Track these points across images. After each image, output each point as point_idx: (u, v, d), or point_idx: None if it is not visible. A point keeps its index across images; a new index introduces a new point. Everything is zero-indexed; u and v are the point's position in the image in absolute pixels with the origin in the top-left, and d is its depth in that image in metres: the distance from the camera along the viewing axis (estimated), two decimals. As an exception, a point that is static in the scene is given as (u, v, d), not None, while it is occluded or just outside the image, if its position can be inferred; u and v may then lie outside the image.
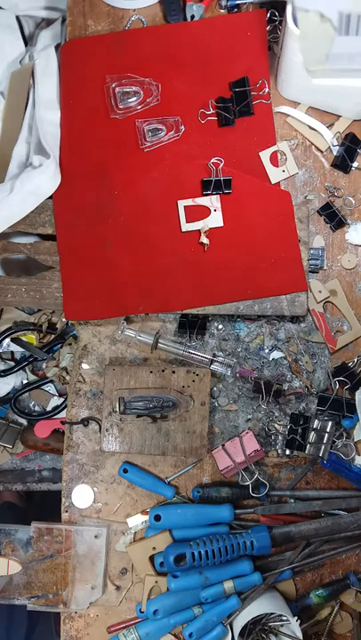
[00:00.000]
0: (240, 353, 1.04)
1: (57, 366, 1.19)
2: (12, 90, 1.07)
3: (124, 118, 1.04)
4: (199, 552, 0.91)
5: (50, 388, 1.26)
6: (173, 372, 0.99)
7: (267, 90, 1.04)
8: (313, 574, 1.02)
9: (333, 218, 1.04)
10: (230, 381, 1.04)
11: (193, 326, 1.02)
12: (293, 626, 0.93)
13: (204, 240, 0.99)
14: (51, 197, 1.02)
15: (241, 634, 0.93)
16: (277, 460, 1.03)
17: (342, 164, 1.04)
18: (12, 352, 1.25)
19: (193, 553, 0.91)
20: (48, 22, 1.18)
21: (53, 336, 1.17)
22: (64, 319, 1.12)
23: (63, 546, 1.00)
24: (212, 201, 1.01)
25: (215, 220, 1.01)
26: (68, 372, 1.19)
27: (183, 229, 1.01)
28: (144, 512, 1.02)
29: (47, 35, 1.12)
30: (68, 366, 1.18)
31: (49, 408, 1.25)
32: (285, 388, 1.03)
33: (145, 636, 0.96)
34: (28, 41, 1.19)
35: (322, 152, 1.06)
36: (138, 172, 1.03)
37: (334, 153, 1.05)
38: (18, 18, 1.17)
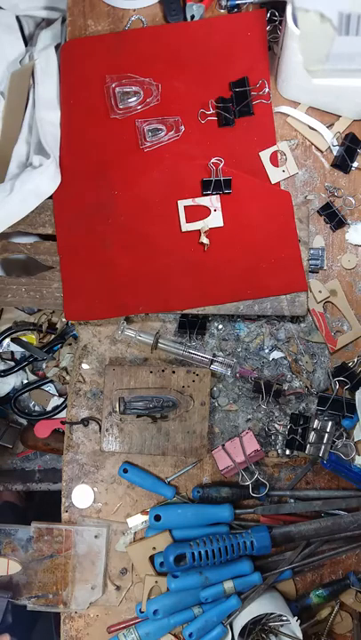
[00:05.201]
0: (240, 353, 1.04)
1: (57, 366, 1.20)
2: (12, 90, 1.07)
3: (124, 118, 1.04)
4: (199, 552, 0.91)
5: (50, 387, 1.26)
6: (173, 371, 0.99)
7: (267, 90, 1.04)
8: (313, 574, 1.02)
9: (333, 218, 1.04)
10: (230, 381, 1.04)
11: (193, 326, 1.02)
12: (293, 626, 0.93)
13: (204, 240, 0.99)
14: (51, 197, 1.02)
15: (241, 634, 0.93)
16: (277, 459, 1.03)
17: (342, 164, 1.04)
18: (12, 352, 1.26)
19: (193, 553, 0.91)
20: (48, 22, 1.18)
21: (53, 336, 1.17)
22: (64, 319, 1.12)
23: (63, 546, 1.00)
24: (212, 201, 1.01)
25: (215, 219, 1.01)
26: (68, 372, 1.19)
27: (183, 229, 1.01)
28: (144, 512, 1.02)
29: (47, 35, 1.12)
30: (68, 366, 1.18)
31: (49, 408, 1.26)
32: (285, 388, 1.03)
33: (145, 636, 0.96)
34: (28, 41, 1.19)
35: (322, 152, 1.06)
36: (138, 172, 1.03)
37: (334, 153, 1.05)
38: (18, 18, 1.17)
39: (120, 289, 1.01)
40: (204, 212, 1.01)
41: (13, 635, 0.99)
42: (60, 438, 1.18)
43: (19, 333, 1.17)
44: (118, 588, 1.01)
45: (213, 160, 1.01)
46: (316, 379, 1.03)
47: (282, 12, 1.00)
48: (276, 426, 1.03)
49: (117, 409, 0.98)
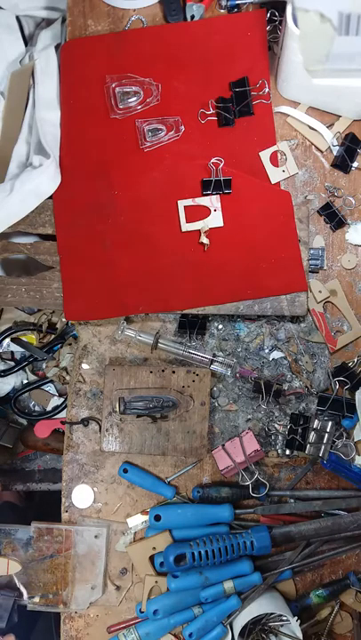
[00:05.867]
0: (240, 353, 1.04)
1: (57, 366, 1.20)
2: (12, 90, 1.07)
3: (124, 118, 1.04)
4: (199, 552, 0.91)
5: (50, 387, 1.26)
6: (173, 371, 0.99)
7: (267, 90, 1.04)
8: (313, 574, 1.02)
9: (333, 218, 1.04)
10: (230, 381, 1.04)
11: (193, 326, 1.02)
12: (293, 626, 0.93)
13: (204, 240, 0.99)
14: (51, 197, 1.02)
15: (241, 634, 0.93)
16: (277, 459, 1.03)
17: (342, 163, 1.04)
18: (12, 352, 1.25)
19: (193, 553, 0.91)
20: (48, 22, 1.18)
21: (53, 336, 1.17)
22: (64, 319, 1.12)
23: (63, 546, 1.00)
24: (212, 201, 1.01)
25: (215, 219, 1.01)
26: (68, 372, 1.19)
27: (183, 229, 1.01)
28: (144, 512, 1.02)
29: (47, 35, 1.12)
30: (68, 366, 1.18)
31: (49, 408, 1.26)
32: (285, 388, 1.03)
33: (145, 636, 0.96)
34: (28, 41, 1.19)
35: (322, 152, 1.06)
36: (138, 171, 1.03)
37: (334, 153, 1.05)
38: (18, 18, 1.17)
39: (120, 289, 1.01)
40: (204, 211, 1.01)
41: (15, 635, 0.99)
42: (60, 438, 1.18)
43: (19, 333, 1.17)
44: (118, 588, 1.02)
45: (213, 160, 1.01)
46: (316, 379, 1.03)
47: (282, 11, 1.00)
48: (276, 426, 1.03)
49: (117, 409, 0.98)
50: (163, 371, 1.00)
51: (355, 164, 1.04)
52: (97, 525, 1.01)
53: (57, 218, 1.03)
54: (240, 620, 0.93)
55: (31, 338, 1.18)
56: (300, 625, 0.93)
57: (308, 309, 1.03)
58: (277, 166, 1.04)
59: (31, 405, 1.30)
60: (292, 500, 1.01)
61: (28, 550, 1.00)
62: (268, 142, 1.04)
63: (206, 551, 0.91)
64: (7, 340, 1.18)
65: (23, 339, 1.18)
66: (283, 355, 1.04)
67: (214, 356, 1.01)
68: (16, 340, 1.18)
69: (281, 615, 0.96)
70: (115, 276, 1.02)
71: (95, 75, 1.05)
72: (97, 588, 1.00)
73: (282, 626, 0.97)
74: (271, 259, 1.00)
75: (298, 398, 1.03)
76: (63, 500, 1.03)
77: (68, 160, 1.03)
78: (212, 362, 1.01)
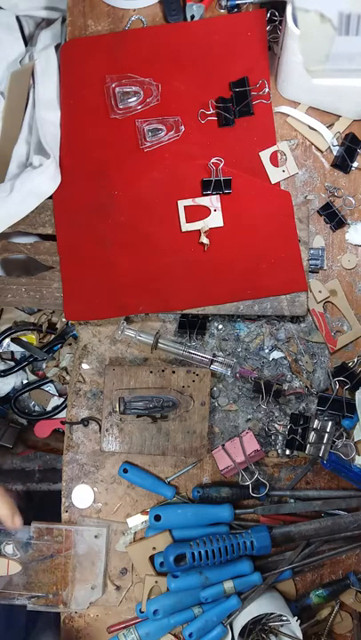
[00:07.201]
0: (240, 353, 1.04)
1: (57, 366, 1.19)
2: (11, 90, 1.07)
3: (124, 118, 1.04)
4: (199, 552, 0.91)
5: (50, 387, 1.26)
6: (173, 371, 0.99)
7: (267, 90, 1.04)
8: (313, 574, 1.02)
9: (333, 218, 1.04)
10: (230, 381, 1.04)
11: (193, 326, 1.02)
12: (293, 626, 0.93)
13: (204, 240, 0.99)
14: (51, 197, 1.02)
15: (241, 634, 0.93)
16: (277, 459, 1.03)
17: (342, 163, 1.04)
18: (12, 352, 1.25)
19: (193, 553, 0.91)
20: (48, 22, 1.18)
21: (53, 336, 1.17)
22: (64, 319, 1.12)
23: (63, 546, 1.00)
24: (212, 201, 1.01)
25: (215, 219, 1.01)
26: (68, 372, 1.19)
27: (183, 229, 1.01)
28: (144, 512, 1.02)
29: (47, 35, 1.12)
30: (68, 366, 1.18)
31: (49, 408, 1.25)
32: (285, 388, 1.03)
33: (145, 636, 0.96)
34: (28, 41, 1.19)
35: (322, 152, 1.06)
36: (138, 171, 1.03)
37: (334, 153, 1.05)
38: (18, 18, 1.16)
39: (120, 289, 1.01)
40: (204, 211, 1.01)
41: (13, 636, 0.99)
42: (60, 438, 1.18)
43: (19, 333, 1.17)
44: (118, 588, 1.02)
45: (213, 160, 1.01)
46: (316, 379, 1.03)
47: (282, 11, 1.00)
48: (276, 426, 1.03)
49: (117, 409, 0.98)
50: (163, 371, 1.00)
51: (355, 164, 1.04)
52: (97, 525, 1.02)
53: (57, 218, 1.03)
54: (240, 620, 0.93)
55: (31, 338, 1.18)
56: (300, 625, 0.93)
57: (308, 309, 1.03)
58: (277, 166, 1.04)
59: (31, 405, 1.30)
60: (292, 500, 1.01)
61: (27, 550, 1.00)
62: (268, 142, 1.04)
63: (206, 551, 0.91)
64: (7, 339, 1.17)
65: (23, 339, 1.18)
66: (283, 355, 1.04)
67: (214, 356, 1.01)
68: (16, 340, 1.18)
69: (281, 615, 0.96)
70: (115, 275, 1.02)
71: (95, 75, 1.05)
72: (97, 588, 1.00)
73: (282, 626, 0.97)
74: (271, 259, 1.00)
75: (298, 398, 1.03)
76: (63, 499, 1.04)
77: (68, 160, 1.03)
78: (212, 362, 1.01)
